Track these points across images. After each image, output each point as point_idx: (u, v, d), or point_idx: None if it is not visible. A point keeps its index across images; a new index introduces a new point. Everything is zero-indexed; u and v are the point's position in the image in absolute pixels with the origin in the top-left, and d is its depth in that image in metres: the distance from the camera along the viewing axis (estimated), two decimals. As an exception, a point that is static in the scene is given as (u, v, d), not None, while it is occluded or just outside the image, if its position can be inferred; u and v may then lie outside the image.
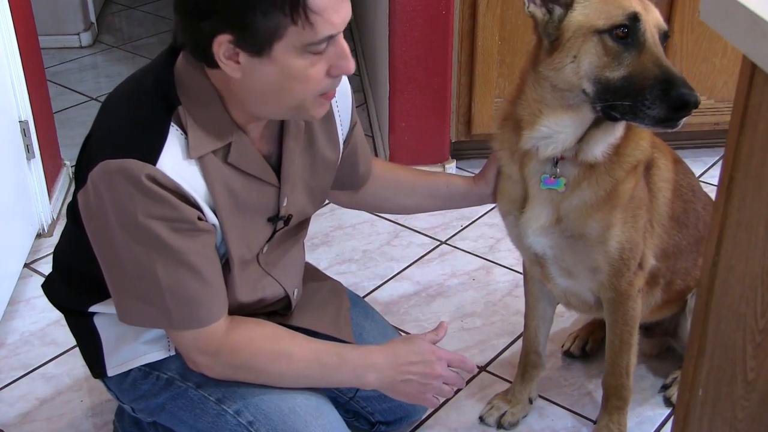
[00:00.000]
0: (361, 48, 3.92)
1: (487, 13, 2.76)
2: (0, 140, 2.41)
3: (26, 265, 2.55)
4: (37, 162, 2.64)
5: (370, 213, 2.82)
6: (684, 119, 1.50)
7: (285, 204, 1.58)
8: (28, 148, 2.58)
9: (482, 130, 2.95)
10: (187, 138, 1.41)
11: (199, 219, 1.44)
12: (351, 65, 1.40)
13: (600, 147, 1.61)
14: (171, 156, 1.39)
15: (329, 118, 1.64)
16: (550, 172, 1.65)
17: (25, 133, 2.56)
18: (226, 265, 1.54)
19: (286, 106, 1.43)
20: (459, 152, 3.07)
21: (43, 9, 3.76)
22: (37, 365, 2.18)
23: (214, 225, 1.48)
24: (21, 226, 2.56)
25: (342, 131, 1.69)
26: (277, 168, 1.55)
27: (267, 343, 1.57)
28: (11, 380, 2.14)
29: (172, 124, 1.41)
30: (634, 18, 1.49)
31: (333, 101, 1.63)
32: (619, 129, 1.61)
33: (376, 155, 3.14)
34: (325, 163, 1.66)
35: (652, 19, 1.51)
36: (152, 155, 1.37)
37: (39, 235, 2.67)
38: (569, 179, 1.65)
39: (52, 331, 2.28)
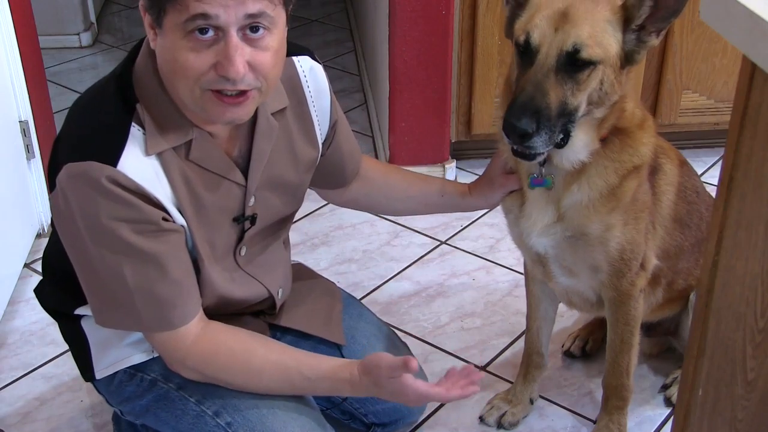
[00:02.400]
0: (361, 48, 3.92)
1: (487, 13, 2.76)
2: (0, 140, 2.41)
3: (26, 265, 2.55)
4: (37, 162, 2.64)
5: (372, 213, 2.82)
6: (531, 154, 1.51)
7: (251, 203, 1.57)
8: (28, 148, 2.58)
9: (482, 130, 2.95)
10: (146, 136, 1.41)
11: (165, 220, 1.43)
12: (232, 68, 1.32)
13: (568, 157, 1.60)
14: (132, 156, 1.39)
15: (306, 117, 1.64)
16: (536, 172, 1.65)
17: (25, 133, 2.56)
18: (200, 268, 1.53)
19: (181, 93, 1.38)
20: (459, 152, 3.07)
21: (43, 9, 3.76)
22: (37, 365, 2.18)
23: (182, 225, 1.47)
24: (21, 226, 2.56)
25: (320, 131, 1.68)
26: (246, 168, 1.54)
27: (236, 360, 1.55)
28: (11, 380, 2.14)
29: (133, 124, 1.41)
30: (528, 36, 1.49)
31: (310, 101, 1.63)
32: (586, 143, 1.58)
33: (376, 155, 3.14)
34: (302, 163, 1.65)
35: (558, 40, 1.47)
36: (112, 157, 1.37)
37: (39, 235, 2.67)
38: (558, 180, 1.65)
39: (52, 331, 2.27)
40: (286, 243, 1.79)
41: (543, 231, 1.69)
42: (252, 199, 1.56)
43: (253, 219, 1.59)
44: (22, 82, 2.54)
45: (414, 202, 1.92)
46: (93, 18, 4.26)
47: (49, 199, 1.47)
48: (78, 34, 4.14)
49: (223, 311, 1.60)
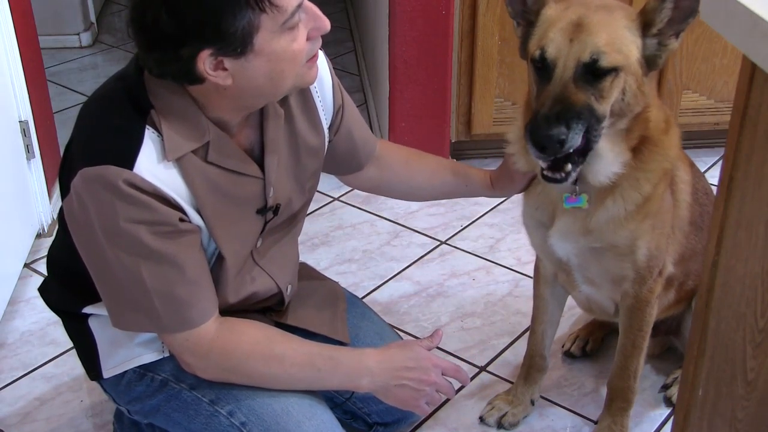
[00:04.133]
0: (361, 48, 3.92)
1: (487, 13, 2.76)
2: (0, 140, 2.41)
3: (26, 265, 2.55)
4: (37, 162, 2.64)
5: (372, 213, 2.82)
6: (559, 175, 1.48)
7: (272, 194, 1.58)
8: (28, 148, 2.58)
9: (482, 130, 2.96)
10: (162, 140, 1.41)
11: (182, 220, 1.44)
12: (326, 23, 1.43)
13: (602, 172, 1.57)
14: (148, 159, 1.40)
15: (309, 104, 1.64)
16: (570, 190, 1.62)
17: (25, 133, 2.56)
18: (218, 264, 1.54)
19: (284, 87, 1.44)
20: (459, 152, 3.07)
21: (43, 9, 3.75)
22: (37, 365, 2.18)
23: (198, 226, 1.48)
24: (21, 226, 2.56)
25: (325, 117, 1.69)
26: (260, 159, 1.55)
27: (259, 346, 1.56)
28: (11, 380, 2.14)
29: (147, 127, 1.41)
30: (543, 51, 1.47)
31: (312, 88, 1.64)
32: (617, 155, 1.56)
33: (376, 155, 3.14)
34: (308, 150, 1.65)
35: (575, 51, 1.45)
36: (129, 160, 1.38)
37: (39, 235, 2.67)
38: (592, 196, 1.63)
39: (52, 331, 2.28)
40: (297, 241, 1.79)
41: (569, 240, 1.68)
42: (271, 190, 1.57)
43: (276, 209, 1.60)
44: (22, 82, 2.54)
45: (435, 191, 1.93)
46: (93, 18, 4.26)
47: (63, 203, 1.47)
48: (78, 34, 4.14)
49: (232, 307, 1.60)
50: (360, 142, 1.81)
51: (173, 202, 1.42)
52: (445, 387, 1.66)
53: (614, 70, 1.45)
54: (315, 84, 1.64)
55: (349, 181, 1.93)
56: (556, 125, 1.43)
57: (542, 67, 1.48)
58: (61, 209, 1.56)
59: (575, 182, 1.60)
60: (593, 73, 1.45)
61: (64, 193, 1.45)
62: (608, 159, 1.56)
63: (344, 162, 1.82)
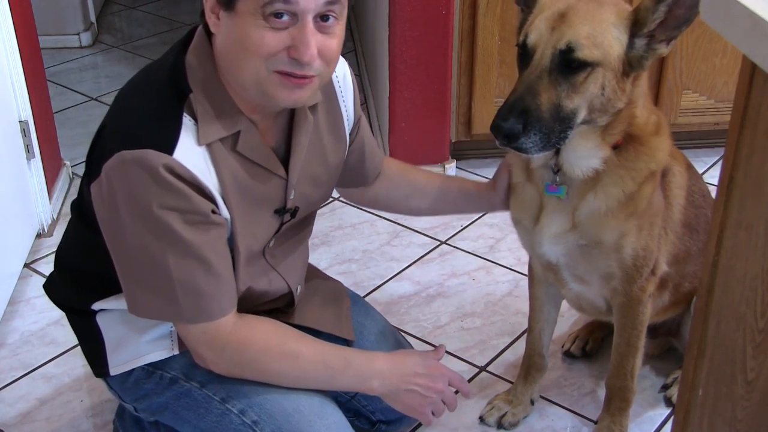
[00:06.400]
0: (361, 48, 3.93)
1: (487, 13, 2.77)
2: (0, 140, 2.41)
3: (26, 265, 2.55)
4: (37, 162, 2.64)
5: (372, 213, 2.82)
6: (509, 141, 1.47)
7: (292, 196, 1.58)
8: (28, 148, 2.58)
9: (482, 131, 2.95)
10: (197, 126, 1.42)
11: (213, 212, 1.44)
12: (306, 52, 1.36)
13: (578, 165, 1.58)
14: (186, 146, 1.40)
15: (335, 113, 1.65)
16: (551, 180, 1.63)
17: (25, 133, 2.56)
18: (233, 257, 1.54)
19: (244, 76, 1.41)
20: (459, 152, 3.07)
21: (43, 9, 3.76)
22: (37, 365, 2.18)
23: (226, 219, 1.48)
24: (21, 226, 2.56)
25: (348, 124, 1.70)
26: (285, 161, 1.56)
27: (274, 342, 1.57)
28: (11, 380, 2.14)
29: (184, 114, 1.42)
30: (525, 38, 1.49)
31: (339, 96, 1.65)
32: (593, 149, 1.56)
33: (376, 155, 3.14)
34: (332, 157, 1.67)
35: (553, 40, 1.45)
36: (169, 146, 1.39)
37: (39, 235, 2.67)
38: (573, 189, 1.63)
39: (52, 331, 2.28)
40: (308, 242, 1.80)
41: (556, 239, 1.68)
42: (293, 192, 1.58)
43: (294, 212, 1.60)
44: (22, 82, 2.54)
45: (433, 200, 1.93)
46: (93, 18, 4.26)
47: (91, 187, 1.45)
48: (78, 34, 4.15)
49: (242, 306, 1.60)
50: (369, 156, 1.83)
51: (207, 192, 1.43)
52: (450, 397, 1.67)
53: (589, 65, 1.45)
54: (342, 92, 1.66)
55: (351, 195, 1.95)
56: (515, 120, 1.45)
57: (524, 54, 1.50)
58: (73, 202, 1.56)
59: (556, 172, 1.62)
60: (568, 64, 1.45)
61: (94, 177, 1.44)
62: (584, 153, 1.57)
63: (352, 175, 1.83)
